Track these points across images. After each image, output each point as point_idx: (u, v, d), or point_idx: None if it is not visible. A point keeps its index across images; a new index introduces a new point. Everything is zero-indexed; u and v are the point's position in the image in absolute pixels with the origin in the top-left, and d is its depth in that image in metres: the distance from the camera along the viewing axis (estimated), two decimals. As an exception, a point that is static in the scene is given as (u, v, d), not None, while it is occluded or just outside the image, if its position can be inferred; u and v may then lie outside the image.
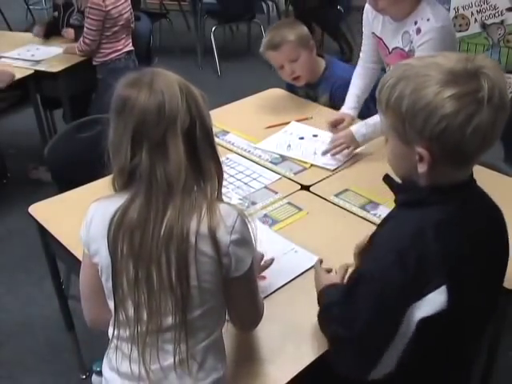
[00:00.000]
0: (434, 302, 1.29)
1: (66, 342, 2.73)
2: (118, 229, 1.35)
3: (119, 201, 1.37)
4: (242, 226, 1.39)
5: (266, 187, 2.32)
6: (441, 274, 1.29)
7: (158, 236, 1.32)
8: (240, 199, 2.23)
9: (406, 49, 2.39)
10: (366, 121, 2.50)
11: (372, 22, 2.54)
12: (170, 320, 1.37)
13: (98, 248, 1.41)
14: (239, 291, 1.47)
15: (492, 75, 1.24)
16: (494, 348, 1.97)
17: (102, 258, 1.40)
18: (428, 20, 2.27)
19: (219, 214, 1.35)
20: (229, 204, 1.43)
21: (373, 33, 2.56)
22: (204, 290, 1.37)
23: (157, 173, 1.33)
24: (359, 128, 2.48)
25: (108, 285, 1.42)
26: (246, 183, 2.34)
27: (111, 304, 1.43)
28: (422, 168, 1.31)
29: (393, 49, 2.47)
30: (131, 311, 1.38)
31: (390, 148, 1.41)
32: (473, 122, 1.22)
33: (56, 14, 4.47)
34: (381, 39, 2.52)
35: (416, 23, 2.30)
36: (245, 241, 1.40)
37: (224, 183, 2.24)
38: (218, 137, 2.70)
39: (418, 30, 2.29)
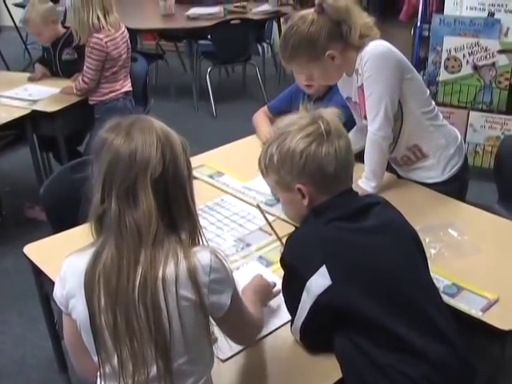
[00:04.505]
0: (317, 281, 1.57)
1: (58, 384, 2.71)
2: (93, 275, 1.34)
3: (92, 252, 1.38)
4: (219, 264, 1.40)
5: (260, 229, 2.33)
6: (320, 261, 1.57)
7: (133, 284, 1.32)
8: (234, 241, 2.23)
9: (359, 83, 2.41)
10: (364, 175, 2.46)
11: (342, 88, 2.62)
12: (155, 370, 1.36)
13: (75, 303, 1.40)
14: (229, 325, 1.50)
15: (327, 117, 1.66)
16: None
17: (80, 312, 1.39)
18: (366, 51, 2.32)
19: (195, 257, 1.36)
20: (200, 246, 1.44)
21: (347, 97, 2.61)
22: (188, 335, 1.37)
23: (126, 220, 1.34)
24: (365, 185, 2.45)
25: (89, 340, 1.40)
26: (240, 225, 2.34)
27: (95, 358, 1.42)
28: (305, 202, 1.68)
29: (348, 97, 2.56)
30: (116, 363, 1.37)
31: (282, 203, 1.83)
32: (323, 149, 1.62)
33: (44, 54, 4.50)
34: (350, 98, 2.57)
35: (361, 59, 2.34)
36: (223, 278, 1.41)
37: (219, 225, 2.25)
38: (213, 178, 2.72)
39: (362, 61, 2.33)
